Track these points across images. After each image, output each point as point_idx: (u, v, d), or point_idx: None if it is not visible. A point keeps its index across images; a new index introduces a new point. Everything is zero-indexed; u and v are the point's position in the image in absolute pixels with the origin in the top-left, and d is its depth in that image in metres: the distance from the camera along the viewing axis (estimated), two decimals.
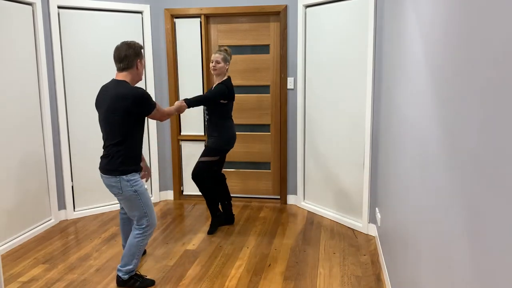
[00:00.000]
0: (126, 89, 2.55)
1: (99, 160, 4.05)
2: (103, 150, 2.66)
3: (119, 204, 3.00)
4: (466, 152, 1.10)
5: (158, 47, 4.34)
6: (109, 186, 2.63)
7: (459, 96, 1.18)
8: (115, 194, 2.65)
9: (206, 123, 3.69)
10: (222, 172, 4.02)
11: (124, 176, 2.58)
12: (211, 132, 3.56)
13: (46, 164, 3.80)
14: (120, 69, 2.63)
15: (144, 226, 2.71)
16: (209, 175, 3.61)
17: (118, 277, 2.78)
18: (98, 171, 4.13)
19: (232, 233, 3.67)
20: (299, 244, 3.42)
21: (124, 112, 2.53)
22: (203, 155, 3.58)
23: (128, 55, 2.59)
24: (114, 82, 2.63)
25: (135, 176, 2.63)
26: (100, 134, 4.05)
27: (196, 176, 3.56)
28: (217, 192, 3.74)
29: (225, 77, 3.52)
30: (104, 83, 4.01)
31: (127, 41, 2.65)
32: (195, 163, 3.80)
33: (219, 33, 4.37)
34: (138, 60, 2.64)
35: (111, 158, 2.59)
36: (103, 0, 3.99)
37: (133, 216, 2.70)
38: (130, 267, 2.76)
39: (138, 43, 2.67)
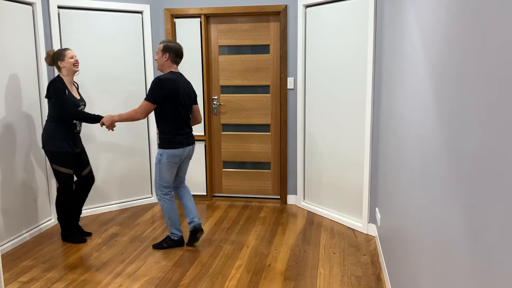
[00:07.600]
0: None
1: (99, 160, 4.13)
2: (186, 129, 3.27)
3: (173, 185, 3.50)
4: (466, 152, 1.10)
5: None
6: (193, 152, 3.49)
7: (459, 95, 1.18)
8: (190, 158, 3.37)
9: (75, 135, 3.46)
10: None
11: None
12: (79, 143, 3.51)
13: (46, 164, 3.80)
14: None
15: None
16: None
17: (200, 224, 3.38)
18: (108, 167, 4.14)
19: (232, 233, 3.67)
20: (299, 244, 3.42)
21: None
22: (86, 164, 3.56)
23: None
24: None
25: None
26: (99, 134, 4.13)
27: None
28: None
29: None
30: (103, 84, 4.08)
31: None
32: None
33: (219, 33, 4.37)
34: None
35: (191, 132, 3.36)
36: (103, 0, 3.99)
37: (185, 173, 3.48)
38: None
39: (163, 43, 3.18)
